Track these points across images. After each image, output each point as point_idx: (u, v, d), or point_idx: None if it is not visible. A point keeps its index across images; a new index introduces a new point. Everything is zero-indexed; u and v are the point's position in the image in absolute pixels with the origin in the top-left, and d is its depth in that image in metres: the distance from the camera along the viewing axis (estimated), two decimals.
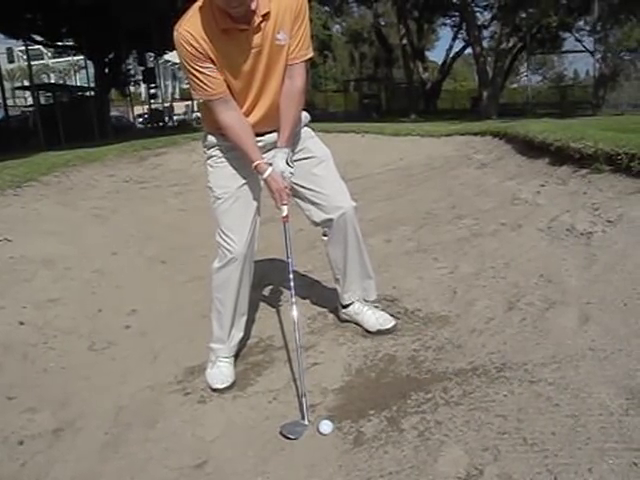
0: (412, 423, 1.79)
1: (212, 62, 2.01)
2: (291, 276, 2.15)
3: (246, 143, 2.12)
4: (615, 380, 1.74)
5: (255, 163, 2.12)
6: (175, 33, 2.00)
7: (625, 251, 2.49)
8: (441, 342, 2.29)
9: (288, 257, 2.18)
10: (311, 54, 2.14)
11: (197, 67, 2.01)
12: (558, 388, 1.78)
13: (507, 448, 1.58)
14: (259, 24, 1.98)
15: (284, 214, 2.18)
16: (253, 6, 1.94)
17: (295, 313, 2.08)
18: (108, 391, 2.30)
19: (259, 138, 2.20)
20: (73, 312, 3.07)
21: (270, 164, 2.14)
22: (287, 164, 2.15)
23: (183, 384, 2.31)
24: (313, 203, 2.33)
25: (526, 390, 1.82)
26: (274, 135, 2.22)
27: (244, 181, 2.24)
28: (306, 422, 1.89)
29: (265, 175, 2.12)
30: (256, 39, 2.01)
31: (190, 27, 1.97)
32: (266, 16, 1.98)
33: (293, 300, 2.12)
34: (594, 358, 1.89)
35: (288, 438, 1.84)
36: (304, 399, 1.94)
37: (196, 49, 1.97)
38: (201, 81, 2.03)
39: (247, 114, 2.15)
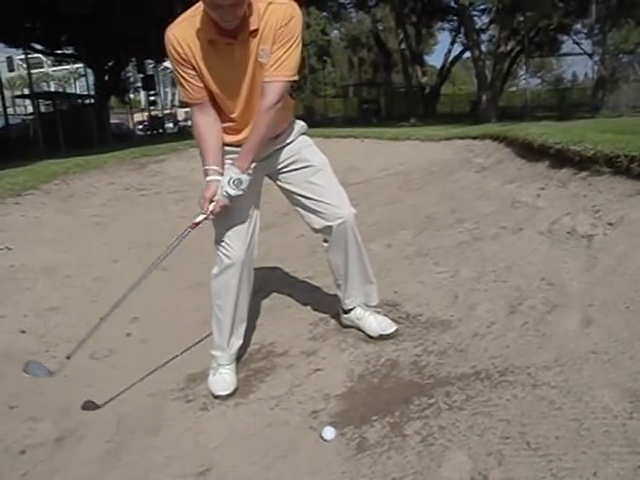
0: (415, 428, 1.79)
1: (194, 69, 2.04)
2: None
3: (206, 144, 2.12)
4: (618, 383, 1.73)
5: (205, 167, 2.12)
6: (165, 35, 2.04)
7: (626, 253, 2.48)
8: (443, 347, 2.28)
9: (161, 257, 2.20)
10: (291, 78, 2.05)
11: (180, 71, 2.06)
12: (561, 392, 1.77)
13: (511, 453, 1.57)
14: (245, 40, 1.98)
15: (196, 220, 2.12)
16: (244, 21, 1.95)
17: None
18: (110, 399, 2.30)
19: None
20: (74, 320, 3.06)
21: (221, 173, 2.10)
22: (229, 184, 2.05)
23: (185, 391, 2.30)
24: (313, 211, 2.32)
25: (529, 394, 1.81)
26: (266, 147, 2.23)
27: None
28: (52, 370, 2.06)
29: (206, 179, 2.11)
30: (240, 54, 2.01)
31: (178, 32, 2.01)
32: (254, 33, 1.98)
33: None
34: (597, 361, 1.88)
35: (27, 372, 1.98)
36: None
37: (179, 54, 2.02)
38: (182, 84, 2.10)
39: (236, 126, 2.17)
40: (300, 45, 2.04)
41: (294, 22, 1.99)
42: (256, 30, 1.97)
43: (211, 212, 2.08)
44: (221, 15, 1.87)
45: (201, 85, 2.08)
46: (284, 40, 1.99)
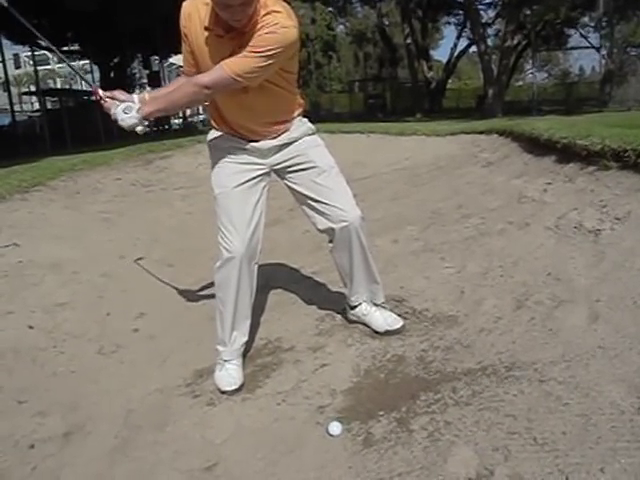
0: (421, 424, 1.79)
1: (189, 46, 2.13)
2: None
3: (167, 86, 2.34)
4: (626, 379, 1.72)
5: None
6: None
7: (634, 248, 2.47)
8: (449, 342, 2.28)
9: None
10: (234, 76, 1.95)
11: (182, 41, 2.15)
12: (568, 387, 1.77)
13: (517, 448, 1.57)
14: (233, 37, 1.98)
15: (98, 92, 2.21)
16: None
17: None
18: (117, 394, 2.31)
19: (244, 144, 2.25)
20: (81, 316, 3.08)
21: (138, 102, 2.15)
22: (124, 103, 2.12)
23: (192, 387, 2.31)
24: (318, 212, 2.32)
25: (536, 389, 1.80)
26: (266, 142, 2.26)
27: (244, 180, 2.25)
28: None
29: (133, 95, 2.21)
30: (227, 49, 2.00)
31: (187, 8, 2.08)
32: (243, 34, 1.96)
33: None
34: (604, 356, 1.87)
35: None
36: None
37: (183, 28, 2.10)
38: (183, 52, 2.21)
39: (225, 115, 2.24)
40: (269, 62, 1.94)
41: (274, 37, 1.92)
42: (245, 33, 1.96)
43: (101, 98, 2.19)
44: (232, 15, 1.87)
45: (192, 62, 2.16)
46: (254, 44, 1.93)
